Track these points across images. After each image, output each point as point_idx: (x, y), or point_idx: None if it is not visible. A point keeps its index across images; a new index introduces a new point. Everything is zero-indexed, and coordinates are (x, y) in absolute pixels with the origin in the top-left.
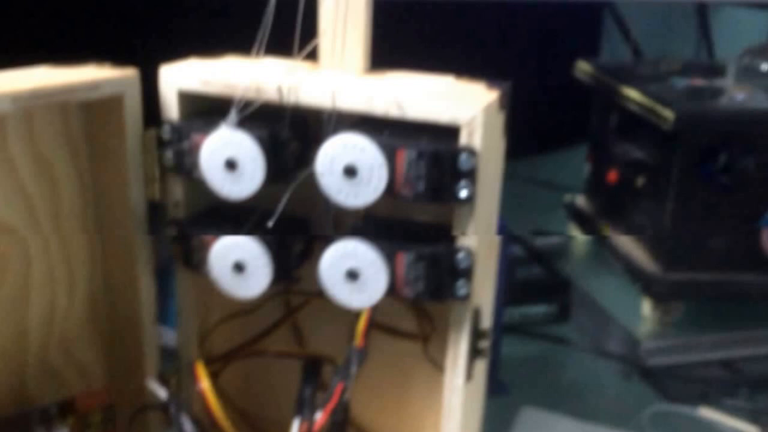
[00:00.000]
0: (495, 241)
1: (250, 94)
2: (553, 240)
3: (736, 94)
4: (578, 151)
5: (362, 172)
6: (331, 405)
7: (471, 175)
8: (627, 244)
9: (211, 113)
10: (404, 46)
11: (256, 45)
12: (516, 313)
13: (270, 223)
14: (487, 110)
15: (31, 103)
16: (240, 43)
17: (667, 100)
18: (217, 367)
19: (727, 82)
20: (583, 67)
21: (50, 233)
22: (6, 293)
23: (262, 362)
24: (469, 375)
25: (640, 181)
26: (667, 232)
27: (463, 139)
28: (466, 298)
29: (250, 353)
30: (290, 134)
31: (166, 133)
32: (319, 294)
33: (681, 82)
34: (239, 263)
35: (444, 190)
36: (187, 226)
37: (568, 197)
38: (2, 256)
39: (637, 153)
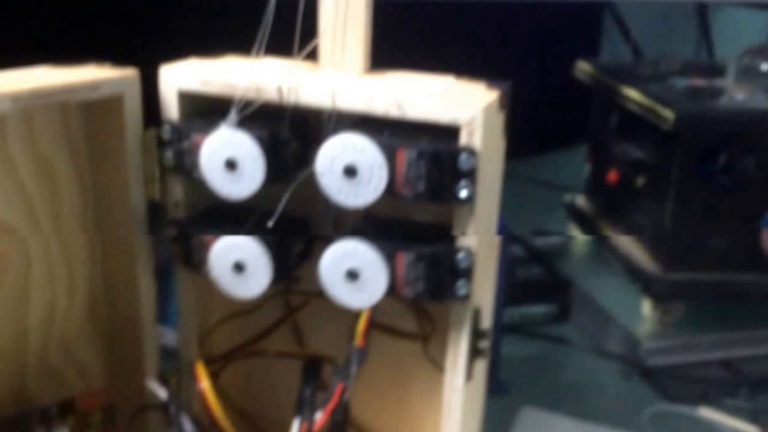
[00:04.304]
0: (495, 241)
1: (250, 94)
2: (553, 240)
3: (736, 94)
4: (578, 151)
5: (362, 172)
6: (331, 405)
7: (471, 175)
8: (627, 244)
9: (211, 113)
10: (404, 46)
11: (256, 45)
12: (516, 313)
13: (270, 223)
14: (487, 110)
15: (31, 103)
16: (240, 43)
17: (667, 100)
18: (217, 367)
19: (727, 82)
20: (583, 67)
21: (50, 233)
22: (6, 293)
23: (262, 362)
24: (469, 375)
25: (640, 181)
26: (667, 232)
27: (463, 139)
28: (466, 298)
29: (250, 353)
30: (290, 134)
31: (166, 133)
32: (319, 294)
33: (681, 82)
34: (239, 263)
35: (444, 190)
36: (187, 226)
37: (568, 197)
38: (2, 256)
39: (637, 153)
